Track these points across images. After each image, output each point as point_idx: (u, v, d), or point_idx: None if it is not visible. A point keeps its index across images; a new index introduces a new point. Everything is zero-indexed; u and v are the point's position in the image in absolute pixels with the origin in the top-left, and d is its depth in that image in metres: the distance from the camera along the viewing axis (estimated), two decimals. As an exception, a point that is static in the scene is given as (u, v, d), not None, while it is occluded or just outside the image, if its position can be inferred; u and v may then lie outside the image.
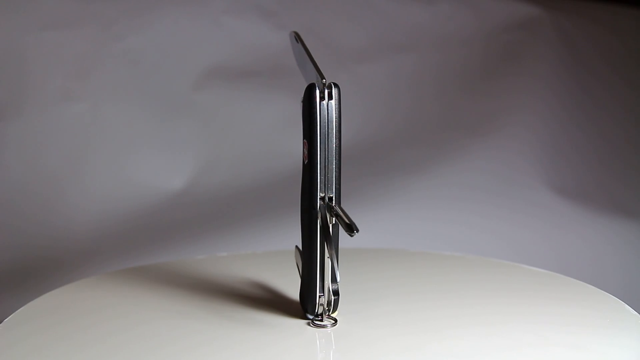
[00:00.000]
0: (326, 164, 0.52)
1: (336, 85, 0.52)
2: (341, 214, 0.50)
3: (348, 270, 0.63)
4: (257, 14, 1.14)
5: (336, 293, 0.54)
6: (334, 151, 0.52)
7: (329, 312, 0.54)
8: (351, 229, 0.49)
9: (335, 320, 0.54)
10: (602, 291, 0.61)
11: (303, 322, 0.54)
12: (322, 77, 0.54)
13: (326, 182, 0.52)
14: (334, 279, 0.54)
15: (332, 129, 0.52)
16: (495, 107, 1.26)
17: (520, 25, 1.24)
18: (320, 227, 0.52)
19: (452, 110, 1.24)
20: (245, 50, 1.14)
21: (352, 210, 1.13)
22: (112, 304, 0.59)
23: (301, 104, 0.52)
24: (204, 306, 0.58)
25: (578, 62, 1.28)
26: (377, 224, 1.17)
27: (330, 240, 0.51)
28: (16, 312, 0.58)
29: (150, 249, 1.10)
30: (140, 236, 1.10)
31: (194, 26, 1.12)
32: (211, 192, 1.14)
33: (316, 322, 0.54)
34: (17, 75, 1.03)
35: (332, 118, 0.52)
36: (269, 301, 0.59)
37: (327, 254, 0.52)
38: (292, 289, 0.60)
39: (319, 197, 0.52)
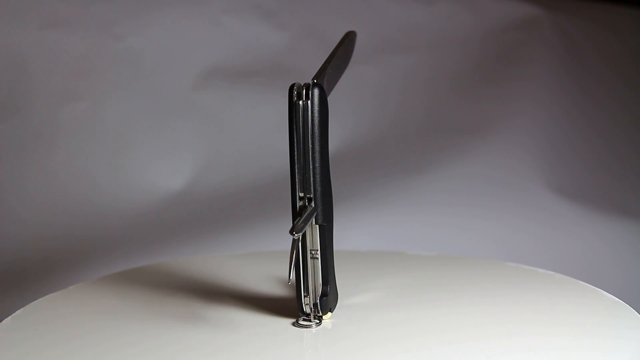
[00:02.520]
0: (304, 164, 0.52)
1: (316, 85, 0.52)
2: (304, 214, 0.51)
3: (345, 272, 0.63)
4: (257, 14, 1.14)
5: (324, 294, 0.54)
6: (310, 151, 0.52)
7: (316, 312, 0.54)
8: (292, 230, 0.49)
9: (320, 321, 0.54)
10: (603, 291, 0.61)
11: (289, 322, 0.55)
12: (314, 77, 0.54)
13: (304, 182, 0.52)
14: (325, 281, 0.54)
15: (308, 130, 0.52)
16: (495, 108, 1.25)
17: (520, 26, 1.24)
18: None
19: (452, 110, 1.24)
20: (245, 50, 1.14)
21: (350, 211, 1.14)
22: (105, 309, 0.59)
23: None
24: (194, 307, 0.58)
25: (578, 62, 1.28)
26: (375, 226, 1.17)
27: (294, 240, 0.52)
28: (5, 319, 0.58)
29: (150, 249, 1.10)
30: (140, 236, 1.10)
31: (193, 26, 1.12)
32: (211, 192, 1.14)
33: (300, 322, 0.54)
34: (17, 75, 1.03)
35: (309, 118, 0.51)
36: (262, 301, 0.59)
37: (309, 255, 0.53)
38: (287, 288, 0.60)
39: (298, 197, 0.52)
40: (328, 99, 0.54)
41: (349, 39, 0.61)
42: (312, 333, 0.53)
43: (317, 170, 0.51)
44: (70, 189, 1.06)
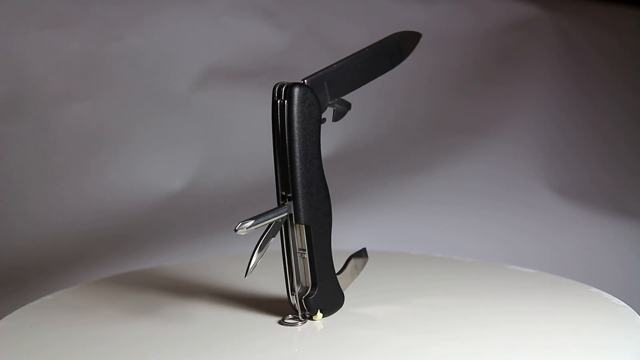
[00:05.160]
0: (282, 163, 0.52)
1: (297, 85, 0.52)
2: (261, 213, 0.51)
3: (403, 278, 0.63)
4: (257, 14, 1.14)
5: (310, 294, 0.54)
6: (288, 150, 0.52)
7: (303, 311, 0.54)
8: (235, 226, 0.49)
9: (305, 320, 0.54)
10: (603, 292, 0.61)
11: (276, 320, 0.55)
12: (306, 77, 0.54)
13: (284, 181, 0.52)
14: (314, 281, 0.54)
15: (285, 129, 0.52)
16: (495, 107, 1.25)
17: (520, 26, 1.23)
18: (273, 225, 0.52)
19: (452, 110, 1.24)
20: (245, 50, 1.14)
21: (349, 211, 1.14)
22: (101, 312, 0.60)
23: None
24: (187, 308, 0.59)
25: (578, 62, 1.27)
26: (374, 226, 1.17)
27: (263, 239, 0.52)
28: (4, 318, 0.58)
29: (150, 249, 1.11)
30: (140, 237, 1.10)
31: (193, 26, 1.12)
32: (211, 192, 1.14)
33: (286, 320, 0.54)
34: (17, 75, 1.03)
35: (285, 117, 0.52)
36: (259, 301, 0.59)
37: (293, 253, 0.53)
38: (281, 288, 0.61)
39: (280, 195, 0.52)
40: (344, 98, 0.54)
41: (396, 39, 0.59)
42: (292, 331, 0.53)
43: (297, 170, 0.51)
44: (68, 190, 1.06)
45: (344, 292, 0.56)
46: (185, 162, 1.13)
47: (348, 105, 0.56)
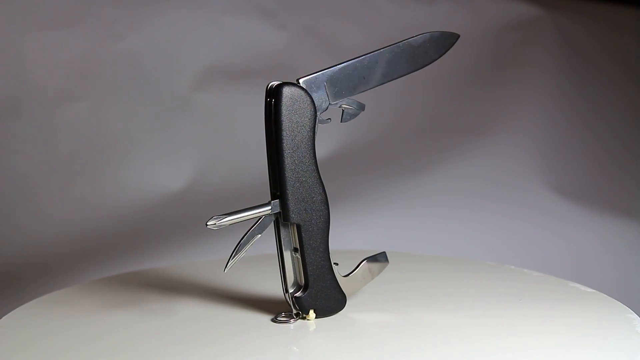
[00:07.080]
0: (273, 161, 0.52)
1: (286, 84, 0.52)
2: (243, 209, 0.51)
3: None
4: (257, 14, 1.14)
5: (302, 293, 0.54)
6: (276, 149, 0.52)
7: (295, 309, 0.54)
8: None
9: (296, 318, 0.54)
10: (602, 293, 0.61)
11: (269, 318, 0.55)
12: (301, 77, 0.54)
13: (275, 179, 0.52)
14: (306, 280, 0.54)
15: (272, 128, 0.52)
16: (495, 108, 1.25)
17: (521, 26, 1.23)
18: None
19: (451, 111, 1.24)
20: (245, 50, 1.14)
21: (349, 210, 1.14)
22: (98, 311, 0.60)
23: None
24: (184, 308, 0.59)
25: (578, 62, 1.27)
26: (373, 227, 1.17)
27: (247, 235, 0.52)
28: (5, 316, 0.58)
29: (150, 250, 1.11)
30: (140, 237, 1.10)
31: (193, 26, 1.12)
32: (211, 192, 1.14)
33: (278, 318, 0.55)
34: (17, 75, 1.03)
35: (273, 117, 0.52)
36: (251, 300, 0.60)
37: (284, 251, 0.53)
38: (277, 288, 0.61)
39: (272, 193, 0.52)
40: (352, 97, 0.54)
41: (421, 40, 0.57)
42: (282, 329, 0.53)
43: (284, 168, 0.51)
44: (66, 190, 1.06)
45: (347, 295, 0.55)
46: (185, 162, 1.13)
47: (360, 107, 0.55)
